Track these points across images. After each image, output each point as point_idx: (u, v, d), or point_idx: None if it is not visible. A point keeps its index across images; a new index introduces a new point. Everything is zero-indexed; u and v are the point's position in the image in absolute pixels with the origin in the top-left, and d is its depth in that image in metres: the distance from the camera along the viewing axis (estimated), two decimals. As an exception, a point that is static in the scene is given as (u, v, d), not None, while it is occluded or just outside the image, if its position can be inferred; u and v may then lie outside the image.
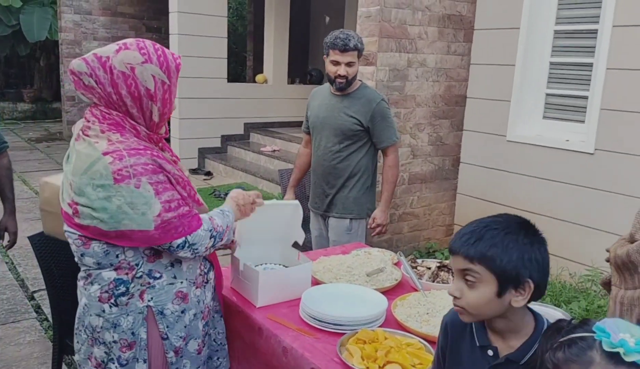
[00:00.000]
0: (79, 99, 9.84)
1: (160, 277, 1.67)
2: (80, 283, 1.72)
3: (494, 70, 4.71)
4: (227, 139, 8.02)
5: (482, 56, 4.80)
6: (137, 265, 1.63)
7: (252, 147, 7.77)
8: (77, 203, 1.57)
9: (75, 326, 1.75)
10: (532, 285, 1.19)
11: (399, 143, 3.32)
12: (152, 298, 1.67)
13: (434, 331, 1.80)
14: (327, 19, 11.84)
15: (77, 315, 1.74)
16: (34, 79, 12.87)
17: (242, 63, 13.58)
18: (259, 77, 8.65)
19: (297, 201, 2.32)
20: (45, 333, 3.43)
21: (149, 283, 1.66)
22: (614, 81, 3.93)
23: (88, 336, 1.70)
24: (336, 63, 2.96)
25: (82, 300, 1.70)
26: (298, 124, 8.32)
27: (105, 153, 1.55)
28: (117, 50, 1.60)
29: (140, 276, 1.64)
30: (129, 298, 1.64)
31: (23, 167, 7.80)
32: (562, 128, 4.40)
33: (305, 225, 2.81)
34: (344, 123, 3.03)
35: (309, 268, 2.13)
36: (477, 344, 1.30)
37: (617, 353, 0.84)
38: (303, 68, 10.73)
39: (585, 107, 4.21)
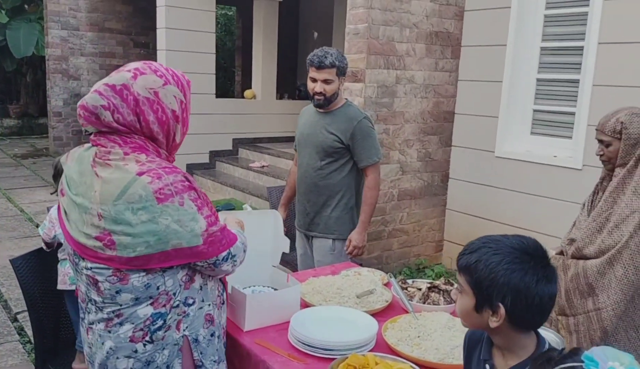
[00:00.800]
0: (65, 115, 9.77)
1: (193, 303, 1.60)
2: (98, 326, 1.57)
3: (481, 87, 4.73)
4: (215, 155, 7.98)
5: (469, 73, 4.82)
6: (174, 294, 1.55)
7: (241, 162, 7.74)
8: (111, 233, 1.45)
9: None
10: (502, 311, 1.20)
11: (381, 162, 3.28)
12: (187, 327, 1.60)
13: (425, 355, 1.78)
14: (316, 34, 11.91)
15: (97, 362, 1.59)
16: (20, 95, 12.77)
17: (231, 78, 13.60)
18: (247, 93, 8.64)
19: (273, 210, 2.31)
20: (28, 356, 3.35)
21: (184, 312, 1.58)
22: (601, 97, 3.96)
23: None
24: (313, 80, 2.95)
25: (106, 344, 1.56)
26: (287, 140, 8.35)
27: (140, 174, 1.46)
28: (133, 77, 1.53)
29: (177, 305, 1.56)
30: (165, 331, 1.55)
31: (9, 184, 7.70)
32: (549, 144, 4.42)
33: (292, 243, 2.80)
34: (324, 140, 3.00)
35: (297, 291, 2.10)
36: (481, 357, 1.33)
37: None
38: (292, 83, 10.76)
39: (573, 123, 4.24)
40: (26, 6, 11.58)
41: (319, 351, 1.80)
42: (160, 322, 1.54)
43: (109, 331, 1.55)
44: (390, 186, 4.65)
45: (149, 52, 10.09)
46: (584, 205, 2.50)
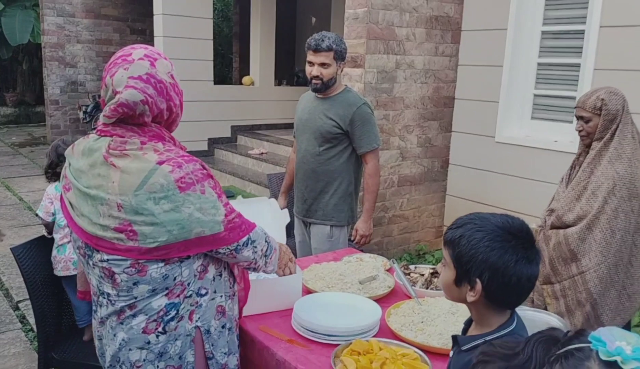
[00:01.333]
0: (62, 103, 9.72)
1: (206, 294, 1.60)
2: (111, 319, 1.56)
3: (481, 72, 4.71)
4: (214, 142, 7.96)
5: (469, 57, 4.79)
6: (188, 284, 1.55)
7: (240, 149, 7.72)
8: (132, 224, 1.44)
9: (108, 364, 1.61)
10: (479, 287, 1.22)
11: (381, 148, 3.26)
12: (199, 318, 1.59)
13: (429, 340, 1.78)
14: (314, 20, 11.82)
15: (110, 354, 1.59)
16: (16, 83, 12.69)
17: (228, 65, 13.51)
18: (245, 79, 8.59)
19: (269, 198, 2.30)
20: (30, 344, 3.36)
21: (197, 302, 1.58)
22: (602, 82, 3.93)
23: None
24: (311, 63, 2.93)
25: (118, 336, 1.55)
26: (285, 126, 8.32)
27: (160, 163, 1.45)
28: (152, 64, 1.50)
29: (190, 296, 1.56)
30: (178, 321, 1.55)
31: (6, 173, 7.68)
32: (550, 129, 4.40)
33: (290, 230, 2.80)
34: (322, 126, 2.98)
35: (299, 279, 2.09)
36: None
37: (615, 362, 0.83)
38: (290, 69, 10.71)
39: (573, 108, 4.22)
40: (21, -7, 11.48)
41: (322, 337, 1.81)
42: (173, 312, 1.54)
43: (122, 323, 1.54)
44: (390, 173, 4.63)
45: (145, 38, 10.01)
46: (562, 178, 2.63)
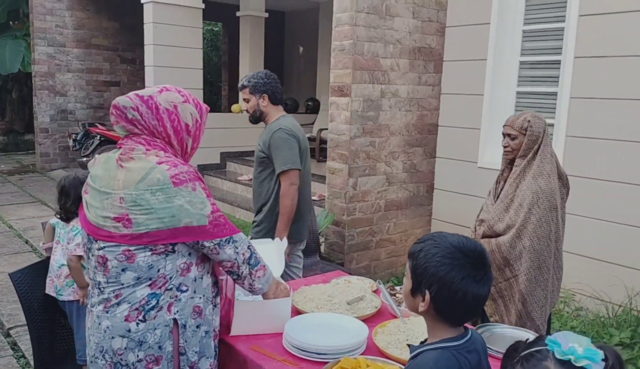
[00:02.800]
0: (52, 131, 9.77)
1: (186, 291, 1.77)
2: (98, 308, 1.74)
3: (463, 100, 4.88)
4: (203, 168, 8.05)
5: (452, 86, 4.97)
6: (170, 278, 1.73)
7: (229, 175, 7.81)
8: (129, 213, 1.67)
9: (92, 353, 1.77)
10: (427, 298, 1.32)
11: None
12: (177, 311, 1.75)
13: (414, 357, 1.87)
14: (301, 49, 12.05)
15: (94, 342, 1.75)
16: (5, 111, 12.74)
17: (217, 93, 13.66)
18: (234, 107, 8.74)
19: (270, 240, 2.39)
20: (22, 371, 3.38)
21: (177, 296, 1.75)
22: (578, 109, 4.12)
23: (107, 361, 1.73)
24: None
25: (103, 324, 1.73)
26: (274, 153, 8.44)
27: (159, 163, 1.71)
28: (159, 91, 1.81)
29: (171, 289, 1.74)
30: (157, 311, 1.72)
31: (-5, 201, 7.68)
32: (530, 155, 4.56)
33: None
34: (257, 152, 3.30)
35: (288, 302, 2.14)
36: None
37: (569, 360, 0.95)
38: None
39: (552, 134, 4.39)
40: (12, 23, 11.61)
41: (312, 355, 1.88)
42: (154, 302, 1.71)
43: (107, 312, 1.73)
44: (377, 197, 4.76)
45: (135, 68, 10.15)
46: (489, 192, 2.92)
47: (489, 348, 1.93)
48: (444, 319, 1.35)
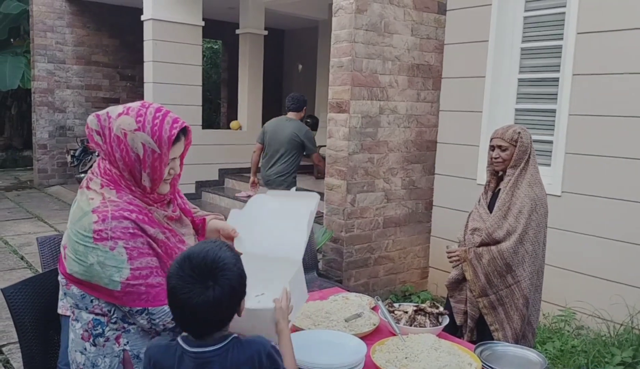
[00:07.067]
0: (50, 147, 9.77)
1: (134, 323, 1.69)
2: (71, 316, 1.75)
3: (462, 117, 4.88)
4: (201, 185, 8.02)
5: (450, 103, 4.97)
6: (109, 311, 1.67)
7: (227, 192, 7.78)
8: (65, 248, 1.69)
9: (62, 357, 1.76)
10: None
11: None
12: (127, 342, 1.69)
13: (413, 375, 1.82)
14: (300, 67, 12.12)
15: (64, 346, 1.76)
16: (4, 128, 12.74)
17: (216, 110, 13.70)
18: (233, 124, 8.74)
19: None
20: (14, 389, 3.32)
21: (124, 327, 1.68)
22: (577, 126, 4.11)
23: None
24: None
25: (70, 334, 1.73)
26: (273, 170, 8.41)
27: (94, 211, 1.63)
28: (119, 114, 1.67)
29: (115, 322, 1.67)
30: (105, 340, 1.67)
31: (-8, 217, 7.63)
32: (529, 172, 4.54)
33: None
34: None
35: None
36: None
37: None
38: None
39: (551, 151, 4.38)
40: (12, 40, 11.66)
41: (309, 373, 1.84)
42: (99, 329, 1.68)
43: (72, 325, 1.73)
44: (376, 214, 4.73)
45: (135, 84, 10.18)
46: (479, 201, 3.04)
47: (491, 366, 1.90)
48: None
